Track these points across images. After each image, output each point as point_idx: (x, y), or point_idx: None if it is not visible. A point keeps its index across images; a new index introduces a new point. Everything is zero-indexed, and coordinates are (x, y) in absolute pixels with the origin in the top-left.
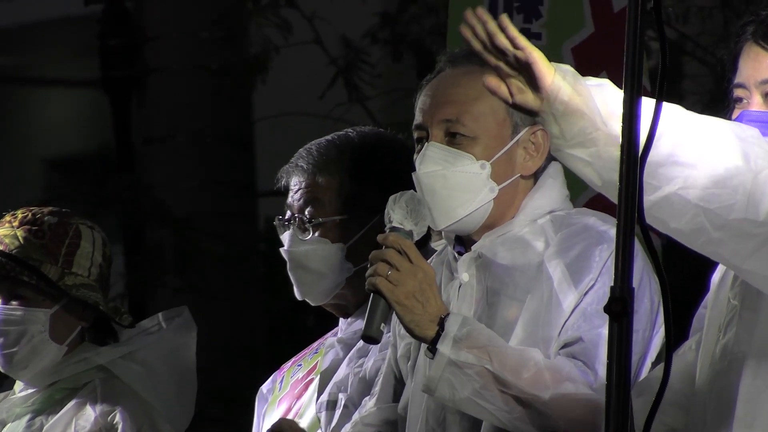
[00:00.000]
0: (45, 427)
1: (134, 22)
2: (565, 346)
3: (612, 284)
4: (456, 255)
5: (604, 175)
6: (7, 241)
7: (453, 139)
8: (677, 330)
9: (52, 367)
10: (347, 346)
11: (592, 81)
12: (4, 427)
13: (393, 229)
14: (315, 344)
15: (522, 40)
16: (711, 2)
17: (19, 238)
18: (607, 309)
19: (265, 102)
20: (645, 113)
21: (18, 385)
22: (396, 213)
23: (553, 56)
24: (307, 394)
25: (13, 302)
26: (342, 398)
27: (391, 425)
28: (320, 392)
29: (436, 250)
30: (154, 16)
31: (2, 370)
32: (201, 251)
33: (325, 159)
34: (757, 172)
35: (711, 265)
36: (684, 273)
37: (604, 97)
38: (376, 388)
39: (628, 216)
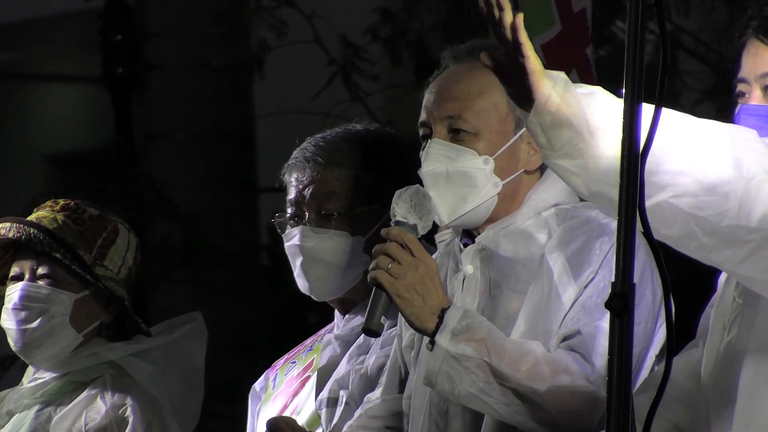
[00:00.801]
0: (55, 418)
1: (136, 19)
2: (565, 339)
3: (612, 278)
4: (462, 247)
5: (591, 187)
6: (45, 221)
7: (456, 135)
8: (678, 328)
9: (64, 354)
10: (345, 342)
11: (583, 89)
12: (12, 417)
13: (397, 223)
14: (309, 341)
15: (528, 49)
16: None
17: (58, 220)
18: (608, 305)
19: (267, 99)
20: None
21: (26, 377)
22: (400, 207)
23: None
24: (304, 392)
25: (40, 281)
26: (343, 395)
27: (397, 417)
28: (319, 389)
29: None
30: (155, 12)
31: (15, 348)
32: (202, 248)
33: (337, 152)
34: (750, 179)
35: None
36: (684, 273)
37: (593, 107)
38: (383, 378)
39: (628, 213)
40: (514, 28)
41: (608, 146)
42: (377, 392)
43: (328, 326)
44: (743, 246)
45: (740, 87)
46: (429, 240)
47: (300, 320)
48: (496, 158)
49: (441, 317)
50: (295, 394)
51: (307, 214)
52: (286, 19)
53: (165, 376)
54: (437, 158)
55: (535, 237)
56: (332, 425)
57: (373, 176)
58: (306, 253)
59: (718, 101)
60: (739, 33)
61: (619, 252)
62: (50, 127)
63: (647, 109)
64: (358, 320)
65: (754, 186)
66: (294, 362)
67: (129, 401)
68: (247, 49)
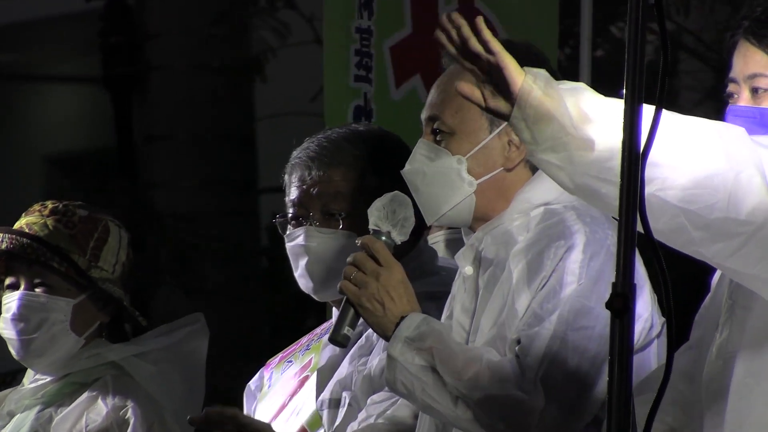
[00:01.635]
0: (55, 420)
1: (136, 20)
2: (517, 344)
3: (567, 282)
4: None
5: (576, 180)
6: (36, 228)
7: (437, 136)
8: (677, 329)
9: (67, 358)
10: None
11: (566, 84)
12: (12, 417)
13: (373, 232)
14: (304, 339)
15: (495, 45)
16: None
17: (49, 225)
18: (609, 305)
19: (266, 100)
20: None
21: (27, 378)
22: (372, 215)
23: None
24: (303, 392)
25: (37, 289)
26: (346, 396)
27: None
28: (320, 390)
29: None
30: (155, 13)
31: (17, 357)
32: (202, 249)
33: (342, 151)
34: (739, 171)
35: (711, 265)
36: (684, 273)
37: (576, 101)
38: None
39: (629, 213)
40: (476, 29)
41: (592, 138)
42: (382, 394)
43: (324, 325)
44: (733, 239)
45: (730, 87)
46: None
47: (299, 321)
48: (469, 157)
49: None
50: (293, 393)
51: (311, 213)
52: (287, 20)
53: (166, 377)
54: (419, 158)
55: (515, 239)
56: (335, 427)
57: (378, 176)
58: (311, 253)
59: (718, 101)
60: (731, 33)
61: (619, 252)
62: (50, 128)
63: (647, 110)
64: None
65: (743, 179)
66: (290, 361)
67: (130, 403)
68: (247, 50)
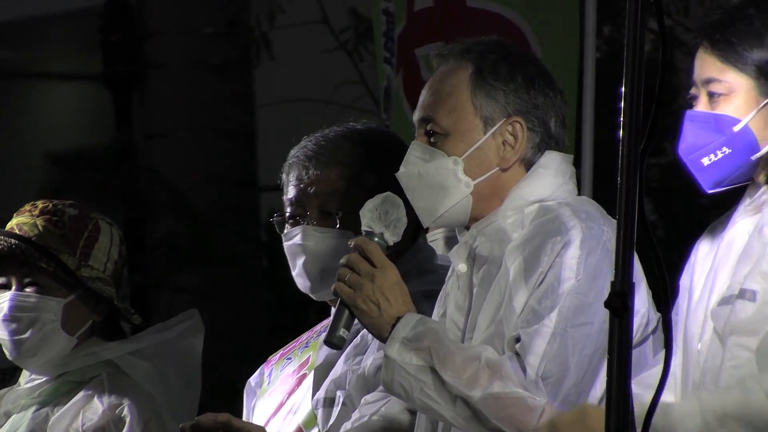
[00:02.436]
0: (52, 419)
1: (136, 18)
2: (516, 342)
3: (565, 278)
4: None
5: None
6: (26, 228)
7: (431, 137)
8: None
9: (60, 358)
10: None
11: None
12: (9, 417)
13: (366, 233)
14: (304, 337)
15: None
16: None
17: (39, 226)
18: (608, 304)
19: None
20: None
21: (23, 378)
22: (364, 217)
23: None
24: (300, 390)
25: (28, 289)
26: (340, 396)
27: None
28: (316, 388)
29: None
30: (155, 11)
31: (10, 357)
32: (203, 245)
33: (339, 150)
34: None
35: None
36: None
37: None
38: None
39: (628, 212)
40: None
41: None
42: (375, 394)
43: (324, 322)
44: None
45: (692, 90)
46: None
47: (299, 318)
48: (465, 158)
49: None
50: (291, 391)
51: (309, 212)
52: (287, 5)
53: (162, 374)
54: (414, 161)
55: (509, 235)
56: (329, 426)
57: (375, 175)
58: (308, 252)
59: None
60: (693, 36)
61: (618, 251)
62: (51, 126)
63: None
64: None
65: None
66: (290, 358)
67: (126, 401)
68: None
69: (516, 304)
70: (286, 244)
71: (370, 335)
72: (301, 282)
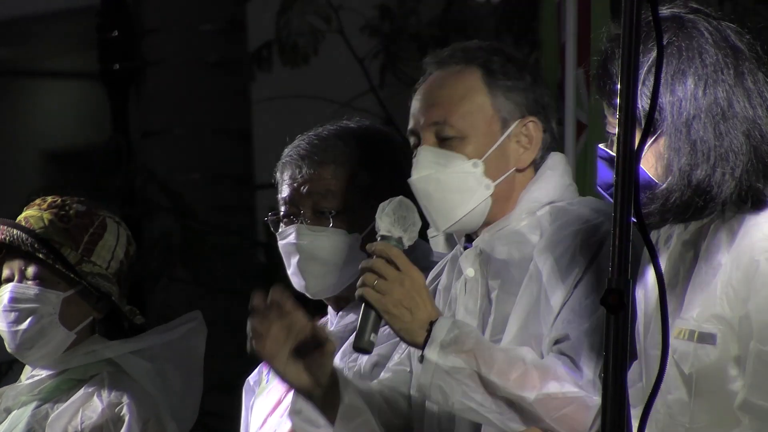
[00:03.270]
0: (51, 416)
1: (132, 15)
2: (556, 342)
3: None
4: (462, 250)
5: None
6: (32, 221)
7: (444, 141)
8: None
9: (59, 352)
10: (339, 339)
11: None
12: (9, 414)
13: (383, 237)
14: None
15: None
16: None
17: (44, 219)
18: (603, 301)
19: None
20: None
21: (24, 375)
22: (383, 221)
23: None
24: None
25: (29, 281)
26: None
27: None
28: None
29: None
30: (152, 8)
31: (9, 350)
32: (199, 244)
33: (333, 149)
34: None
35: None
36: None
37: None
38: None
39: (624, 209)
40: None
41: None
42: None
43: (322, 320)
44: None
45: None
46: (423, 237)
47: None
48: (485, 160)
49: (430, 330)
50: (289, 389)
51: (302, 211)
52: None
53: (163, 373)
54: (428, 165)
55: (528, 238)
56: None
57: (369, 173)
58: (303, 251)
59: None
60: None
61: (614, 248)
62: (47, 124)
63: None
64: (352, 317)
65: None
66: None
67: (125, 400)
68: (244, 43)
69: (553, 304)
70: (280, 243)
71: None
72: (296, 281)
